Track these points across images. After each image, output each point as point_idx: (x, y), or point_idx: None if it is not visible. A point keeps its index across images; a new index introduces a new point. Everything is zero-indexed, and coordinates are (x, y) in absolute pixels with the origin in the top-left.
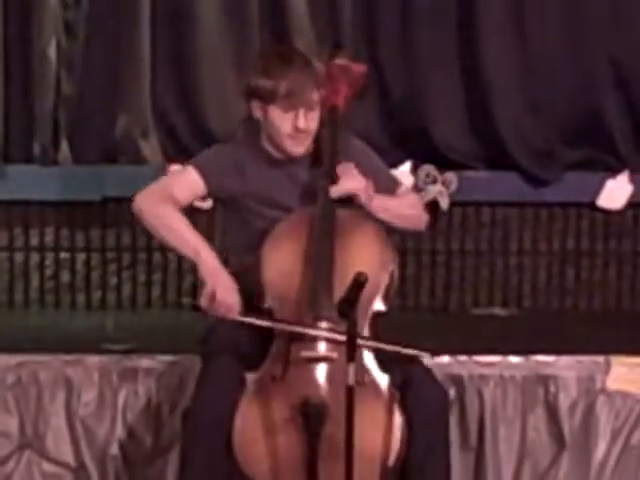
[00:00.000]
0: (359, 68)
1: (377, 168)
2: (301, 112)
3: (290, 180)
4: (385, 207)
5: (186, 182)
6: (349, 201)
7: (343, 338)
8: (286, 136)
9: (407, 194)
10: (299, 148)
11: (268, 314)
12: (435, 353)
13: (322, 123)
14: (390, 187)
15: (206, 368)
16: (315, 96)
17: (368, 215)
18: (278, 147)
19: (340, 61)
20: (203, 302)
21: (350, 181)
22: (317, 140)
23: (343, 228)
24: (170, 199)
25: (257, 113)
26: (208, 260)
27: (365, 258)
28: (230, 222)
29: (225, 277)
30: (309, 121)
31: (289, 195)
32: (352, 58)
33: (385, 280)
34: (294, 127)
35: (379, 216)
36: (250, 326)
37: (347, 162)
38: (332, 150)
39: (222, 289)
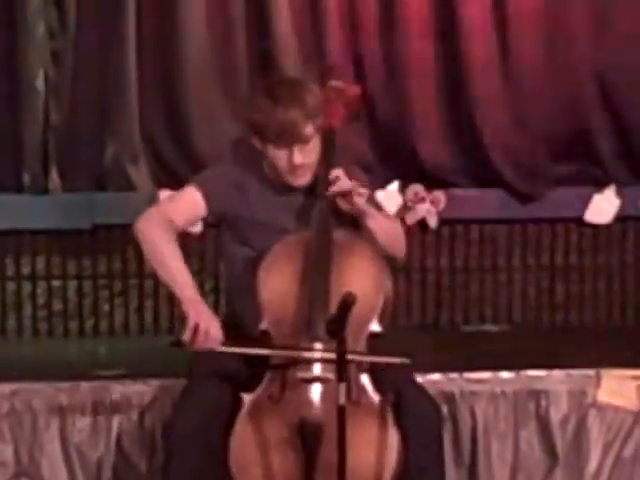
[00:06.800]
0: (354, 90)
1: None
2: (296, 149)
3: (290, 205)
4: (375, 215)
5: (187, 204)
6: (344, 216)
7: (331, 357)
8: (285, 172)
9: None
10: (301, 180)
11: (263, 337)
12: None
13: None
14: None
15: (188, 385)
16: (309, 130)
17: (364, 237)
18: (280, 179)
19: (335, 83)
20: (186, 336)
21: (344, 181)
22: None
23: (339, 249)
24: (169, 225)
25: (258, 146)
26: (191, 296)
27: (361, 280)
28: (228, 243)
29: (206, 310)
30: (306, 156)
31: (289, 219)
32: (343, 78)
33: (381, 302)
34: (290, 164)
35: (368, 225)
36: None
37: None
38: (326, 165)
39: (204, 321)
